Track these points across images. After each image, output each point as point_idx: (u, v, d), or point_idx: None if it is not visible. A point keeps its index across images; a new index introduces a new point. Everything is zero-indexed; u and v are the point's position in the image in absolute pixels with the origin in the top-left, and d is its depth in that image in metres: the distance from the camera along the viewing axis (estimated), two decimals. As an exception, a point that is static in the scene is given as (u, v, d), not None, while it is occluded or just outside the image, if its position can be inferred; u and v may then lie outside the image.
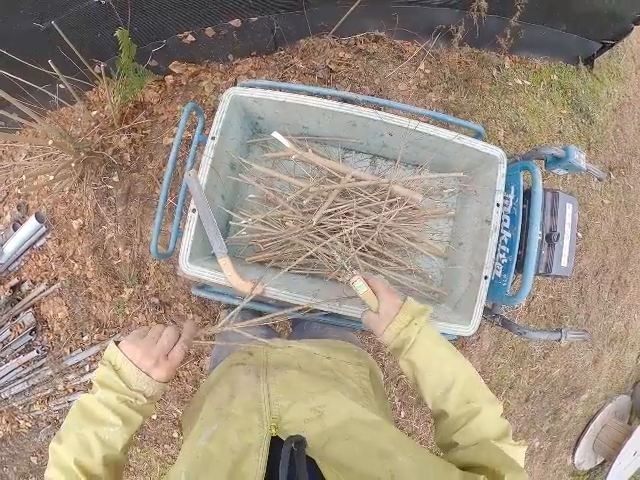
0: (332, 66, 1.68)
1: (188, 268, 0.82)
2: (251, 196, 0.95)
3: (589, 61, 1.96)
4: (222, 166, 0.89)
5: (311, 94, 0.87)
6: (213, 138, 0.83)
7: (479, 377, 0.54)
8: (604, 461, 2.14)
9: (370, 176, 0.86)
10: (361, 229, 0.82)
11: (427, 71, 1.79)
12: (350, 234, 0.76)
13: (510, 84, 1.85)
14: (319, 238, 0.79)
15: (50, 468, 0.47)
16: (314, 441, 0.40)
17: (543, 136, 1.86)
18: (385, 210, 0.81)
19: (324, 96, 0.90)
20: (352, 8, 1.41)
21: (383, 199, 0.87)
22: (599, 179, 1.09)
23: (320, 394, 0.48)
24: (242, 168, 0.95)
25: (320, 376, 0.57)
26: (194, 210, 0.82)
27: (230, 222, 0.93)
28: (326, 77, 1.67)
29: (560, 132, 1.87)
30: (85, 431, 0.47)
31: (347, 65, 1.70)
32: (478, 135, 1.04)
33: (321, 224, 0.80)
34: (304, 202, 0.78)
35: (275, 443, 0.40)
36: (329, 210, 0.79)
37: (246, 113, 0.93)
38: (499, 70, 1.85)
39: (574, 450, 2.03)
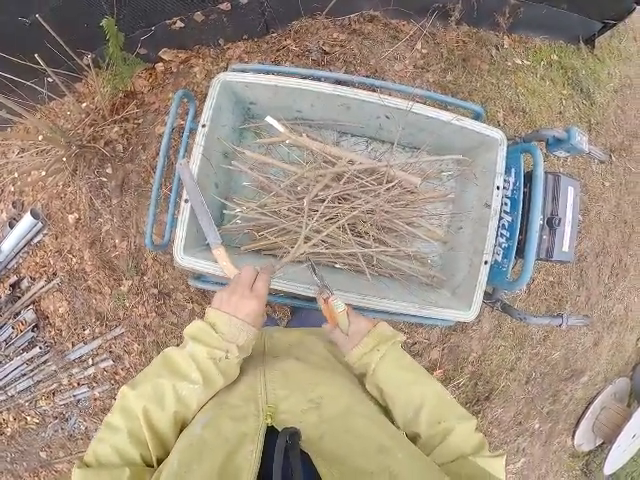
0: (326, 47, 1.63)
1: (182, 259, 0.81)
2: (245, 184, 0.93)
3: (590, 41, 1.91)
4: (214, 154, 0.87)
5: (304, 77, 0.84)
6: (204, 126, 0.80)
7: (449, 395, 0.53)
8: (603, 443, 2.17)
9: (366, 160, 0.84)
10: (358, 214, 0.80)
11: (424, 51, 1.74)
12: (347, 220, 0.74)
13: (509, 64, 1.80)
14: (315, 224, 0.78)
15: (114, 412, 0.45)
16: (310, 432, 0.39)
17: (543, 117, 1.82)
18: (383, 194, 0.79)
19: (318, 79, 0.87)
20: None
21: (380, 184, 0.85)
22: (601, 161, 1.07)
23: (318, 385, 0.48)
24: (235, 155, 0.93)
25: (319, 366, 0.56)
26: (187, 200, 0.80)
27: (224, 211, 0.91)
28: (320, 59, 1.62)
29: (560, 113, 1.83)
30: (163, 381, 0.45)
31: (341, 46, 1.65)
32: (477, 116, 1.01)
33: (316, 210, 0.79)
34: (298, 188, 0.77)
35: (270, 433, 0.39)
36: (324, 196, 0.78)
37: (237, 99, 0.90)
38: (498, 49, 1.80)
39: (574, 432, 2.06)
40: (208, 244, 0.83)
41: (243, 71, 0.85)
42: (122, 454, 0.42)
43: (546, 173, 0.94)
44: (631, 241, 1.98)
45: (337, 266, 0.91)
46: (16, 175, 1.74)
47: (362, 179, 0.81)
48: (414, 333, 1.78)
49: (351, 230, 0.86)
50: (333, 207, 0.80)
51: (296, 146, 0.90)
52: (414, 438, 0.51)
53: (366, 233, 0.90)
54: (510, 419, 1.90)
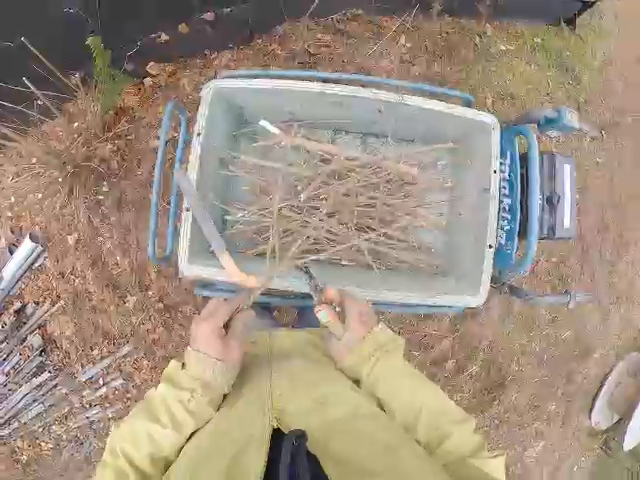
0: (312, 49, 1.64)
1: (188, 269, 0.81)
2: (244, 188, 0.94)
3: (571, 21, 1.93)
4: (211, 161, 0.87)
5: (294, 78, 0.85)
6: (199, 134, 0.80)
7: (446, 399, 0.52)
8: (620, 419, 2.17)
9: (363, 154, 0.85)
10: (360, 209, 0.80)
11: (408, 45, 1.76)
12: (349, 215, 0.75)
13: (493, 51, 1.82)
14: (319, 223, 0.78)
15: (105, 451, 0.47)
16: (316, 433, 0.39)
17: (531, 100, 1.84)
18: (382, 187, 0.79)
19: (308, 79, 0.88)
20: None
21: (378, 177, 0.85)
22: (593, 137, 1.08)
23: (323, 385, 0.48)
24: (231, 161, 0.93)
25: (324, 367, 0.56)
26: (187, 209, 0.80)
27: (226, 217, 0.92)
28: (307, 61, 1.64)
29: (548, 94, 1.85)
30: (137, 422, 0.46)
31: (327, 47, 1.66)
32: (468, 103, 1.02)
33: (317, 208, 0.79)
34: (298, 188, 0.77)
35: (277, 436, 0.39)
36: (324, 193, 0.78)
37: (229, 105, 0.91)
38: (481, 37, 1.81)
39: (590, 410, 2.06)
40: (212, 251, 0.83)
41: (232, 77, 0.86)
42: None
43: (541, 153, 0.95)
44: (629, 215, 1.99)
45: (343, 263, 0.92)
46: (12, 200, 1.74)
47: (360, 173, 0.82)
48: (424, 325, 1.78)
49: (356, 227, 0.86)
50: (333, 203, 0.80)
51: (292, 147, 0.90)
52: None
53: (368, 227, 0.91)
54: (526, 403, 1.90)
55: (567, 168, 0.97)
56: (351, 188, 0.80)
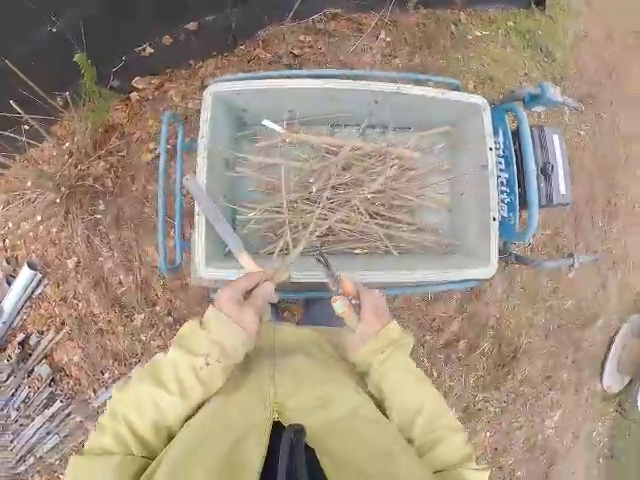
0: (295, 51, 1.67)
1: (207, 272, 0.81)
2: (251, 189, 0.95)
3: (540, 2, 2.01)
4: (217, 165, 0.88)
5: (292, 77, 0.87)
6: (203, 137, 0.81)
7: (445, 405, 0.53)
8: (631, 380, 2.22)
9: (366, 144, 0.87)
10: (371, 195, 0.82)
11: (388, 39, 1.80)
12: (359, 202, 0.77)
13: (470, 37, 1.88)
14: (331, 213, 0.80)
15: (104, 414, 0.45)
16: (316, 430, 0.39)
17: (510, 81, 1.91)
18: (388, 173, 0.82)
19: (306, 77, 0.90)
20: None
21: (383, 164, 0.88)
22: (575, 109, 1.13)
23: (326, 383, 0.47)
24: (237, 163, 0.94)
25: (327, 364, 0.56)
26: (199, 213, 0.81)
27: (237, 216, 0.92)
28: (291, 62, 1.66)
29: (526, 74, 1.92)
30: (143, 388, 0.44)
31: (310, 47, 1.69)
32: (456, 88, 1.06)
33: (329, 199, 0.81)
34: (310, 180, 0.79)
35: (276, 428, 0.39)
36: (334, 183, 0.80)
37: (229, 108, 0.92)
38: (457, 26, 1.87)
39: (601, 375, 2.11)
40: (227, 252, 0.84)
41: (229, 81, 0.87)
42: (110, 453, 0.42)
43: (530, 127, 1.00)
44: (616, 182, 2.07)
45: (357, 252, 0.93)
46: (5, 229, 1.71)
47: (365, 162, 0.84)
48: (432, 309, 1.81)
49: (362, 214, 0.88)
50: (343, 193, 0.82)
51: (295, 144, 0.92)
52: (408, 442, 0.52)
53: (377, 214, 0.93)
54: (538, 375, 1.94)
55: (556, 138, 1.02)
56: (359, 177, 0.82)
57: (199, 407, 0.46)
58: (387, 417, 0.52)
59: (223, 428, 0.39)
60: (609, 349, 2.09)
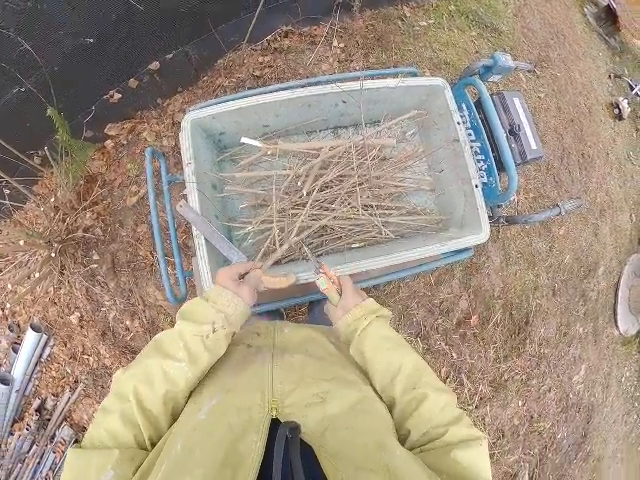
0: (256, 73, 1.73)
1: (214, 291, 0.82)
2: (242, 205, 0.97)
3: (474, -18, 2.12)
4: (205, 189, 0.91)
5: (262, 93, 0.91)
6: (189, 164, 0.84)
7: (428, 368, 0.55)
8: (645, 313, 2.24)
9: (345, 140, 0.91)
10: (354, 188, 0.86)
11: (342, 45, 1.88)
12: (346, 193, 0.79)
13: (417, 28, 1.97)
14: (325, 212, 0.82)
15: (108, 396, 0.46)
16: (314, 427, 0.40)
17: (464, 62, 2.00)
18: (369, 163, 0.85)
19: (275, 91, 0.94)
20: (256, 13, 1.46)
21: (362, 157, 0.91)
22: (529, 70, 1.20)
23: (324, 381, 0.48)
24: (224, 184, 0.97)
25: (326, 362, 0.57)
26: (197, 236, 0.83)
27: (234, 233, 0.95)
28: (255, 84, 1.72)
29: (477, 52, 2.01)
30: (151, 361, 0.47)
31: (269, 67, 1.75)
32: (414, 75, 1.12)
33: (318, 200, 0.84)
34: (298, 183, 0.81)
35: (274, 426, 0.39)
36: (321, 184, 0.83)
37: (207, 134, 0.95)
38: (403, 20, 1.97)
39: (615, 321, 2.13)
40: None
41: (203, 108, 0.91)
42: (115, 436, 0.43)
43: (491, 95, 1.05)
44: (584, 134, 2.15)
45: (354, 246, 0.96)
46: (3, 295, 1.69)
47: (346, 158, 0.87)
48: (437, 292, 1.83)
49: (354, 207, 0.91)
50: (331, 191, 0.85)
51: (276, 156, 0.95)
52: (391, 404, 0.53)
53: (366, 206, 0.96)
54: (555, 334, 1.97)
55: (516, 100, 1.08)
56: (343, 173, 0.85)
57: (204, 374, 0.50)
58: (371, 378, 0.56)
59: (222, 427, 0.40)
60: (616, 294, 2.13)
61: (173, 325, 0.53)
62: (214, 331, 0.51)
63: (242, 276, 0.63)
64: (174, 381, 0.47)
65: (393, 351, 0.56)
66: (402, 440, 0.49)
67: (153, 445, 0.44)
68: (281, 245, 0.74)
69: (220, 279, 0.59)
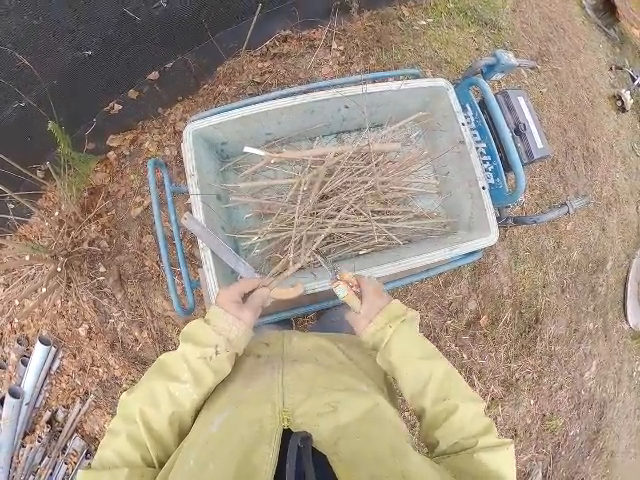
0: (257, 79, 1.72)
1: (223, 304, 0.82)
2: (247, 215, 0.96)
3: (472, -22, 2.10)
4: (210, 200, 0.90)
5: (264, 101, 0.90)
6: (193, 175, 0.83)
7: (457, 374, 0.54)
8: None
9: (349, 146, 0.90)
10: (362, 195, 0.85)
11: (341, 48, 1.87)
12: (354, 202, 0.79)
13: (416, 28, 1.96)
14: (330, 220, 0.81)
15: (114, 419, 0.47)
16: (326, 436, 0.39)
17: (464, 60, 1.98)
18: (375, 169, 0.84)
19: (278, 97, 0.93)
20: (254, 19, 1.46)
21: (368, 163, 0.90)
22: (531, 68, 1.18)
23: (335, 390, 0.47)
24: (228, 194, 0.97)
25: (336, 371, 0.56)
26: (203, 249, 0.82)
27: (240, 244, 0.94)
28: (255, 91, 1.71)
29: (477, 49, 2.00)
30: (156, 383, 0.48)
31: (269, 72, 1.74)
32: (416, 77, 1.11)
33: (325, 207, 0.83)
34: (299, 198, 0.81)
35: (287, 436, 0.39)
36: (326, 192, 0.82)
37: (209, 144, 0.95)
38: (401, 20, 1.96)
39: (625, 315, 2.11)
40: (241, 279, 0.84)
41: (203, 118, 0.90)
42: (123, 456, 0.44)
43: (495, 94, 1.04)
44: (588, 128, 2.13)
45: (362, 252, 0.95)
46: (10, 311, 1.69)
47: (351, 164, 0.87)
48: (446, 294, 1.82)
49: (360, 213, 0.90)
50: (337, 198, 0.84)
51: (280, 164, 0.95)
52: (420, 414, 0.53)
53: (372, 212, 0.95)
54: (565, 330, 1.95)
55: (521, 99, 1.06)
56: (348, 179, 0.84)
57: (209, 393, 0.50)
58: (400, 387, 0.54)
59: (234, 439, 0.39)
60: (625, 288, 2.10)
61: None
62: (217, 353, 0.50)
63: (247, 294, 0.61)
64: (180, 403, 0.47)
65: (422, 360, 0.54)
66: (430, 448, 0.50)
67: (161, 463, 0.44)
68: (295, 263, 0.72)
69: (221, 301, 0.57)
